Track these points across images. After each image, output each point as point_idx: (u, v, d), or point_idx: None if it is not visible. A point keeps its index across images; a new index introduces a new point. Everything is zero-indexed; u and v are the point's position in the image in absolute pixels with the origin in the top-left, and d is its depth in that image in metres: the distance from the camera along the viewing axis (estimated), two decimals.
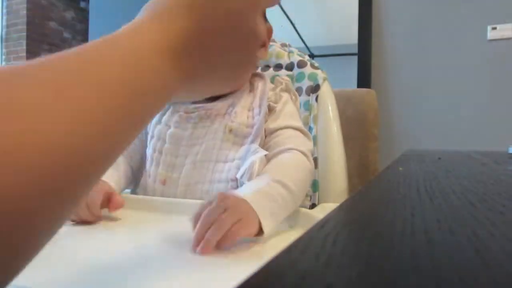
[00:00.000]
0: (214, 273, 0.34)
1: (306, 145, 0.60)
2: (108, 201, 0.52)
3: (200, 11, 0.27)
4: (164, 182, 0.60)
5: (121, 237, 0.46)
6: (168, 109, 0.64)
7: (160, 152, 0.61)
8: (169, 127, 0.61)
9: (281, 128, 0.61)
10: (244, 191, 0.45)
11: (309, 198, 0.74)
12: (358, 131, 1.03)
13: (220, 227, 0.38)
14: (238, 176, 0.55)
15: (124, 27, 0.25)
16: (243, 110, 0.61)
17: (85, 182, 0.20)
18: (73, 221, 0.51)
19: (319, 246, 0.16)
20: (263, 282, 0.12)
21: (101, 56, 0.22)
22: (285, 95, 0.65)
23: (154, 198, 0.60)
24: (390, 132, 1.96)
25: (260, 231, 0.42)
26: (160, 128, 0.62)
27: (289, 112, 0.64)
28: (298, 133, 0.61)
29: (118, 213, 0.56)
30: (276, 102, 0.63)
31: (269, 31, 0.46)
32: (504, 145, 0.89)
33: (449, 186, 0.34)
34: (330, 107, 0.75)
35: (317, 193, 0.74)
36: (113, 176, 0.59)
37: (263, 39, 0.32)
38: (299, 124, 0.63)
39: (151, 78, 0.24)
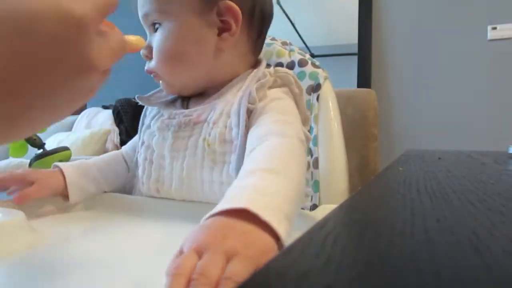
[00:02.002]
0: None
1: (296, 130, 0.47)
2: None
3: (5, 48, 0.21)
4: (157, 191, 0.56)
5: (123, 239, 0.46)
6: (158, 112, 0.60)
7: (151, 161, 0.56)
8: (154, 134, 0.56)
9: (265, 124, 0.48)
10: (239, 197, 0.31)
11: (310, 199, 0.73)
12: (358, 131, 1.03)
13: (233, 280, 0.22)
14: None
15: None
16: (222, 117, 0.51)
17: None
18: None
19: (319, 246, 0.16)
20: (263, 282, 0.12)
21: None
22: (274, 91, 0.53)
23: (149, 198, 0.59)
24: (390, 132, 1.96)
25: (275, 236, 0.28)
26: (149, 133, 0.58)
27: (276, 108, 0.50)
28: (278, 123, 0.47)
29: (114, 213, 0.56)
30: (253, 103, 0.50)
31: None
32: (504, 145, 0.89)
33: (449, 186, 0.34)
34: (331, 107, 0.75)
35: (318, 193, 0.73)
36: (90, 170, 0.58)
37: (97, 64, 0.25)
38: (292, 118, 0.50)
39: None
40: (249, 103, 0.50)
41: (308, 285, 0.12)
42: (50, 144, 1.24)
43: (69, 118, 2.44)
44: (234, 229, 0.27)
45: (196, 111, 0.54)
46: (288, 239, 0.30)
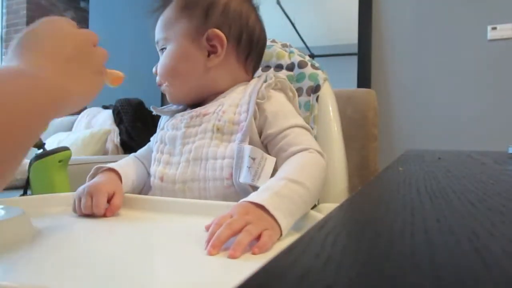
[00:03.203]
0: (214, 273, 0.34)
1: (316, 143, 0.60)
2: (109, 203, 0.55)
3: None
4: (162, 179, 0.62)
5: (123, 237, 0.46)
6: (172, 116, 0.69)
7: (162, 152, 0.65)
8: (168, 130, 0.66)
9: (287, 128, 0.60)
10: (262, 196, 0.44)
11: None
12: (358, 131, 1.03)
13: (250, 232, 0.38)
14: (241, 180, 0.55)
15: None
16: (231, 108, 0.62)
17: None
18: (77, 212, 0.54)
19: (319, 246, 0.16)
20: (263, 282, 0.12)
21: None
22: (278, 95, 0.65)
23: (151, 197, 0.60)
24: (390, 132, 1.96)
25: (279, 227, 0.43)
26: (162, 133, 0.67)
27: (288, 111, 0.63)
28: (304, 131, 0.61)
29: (121, 212, 0.56)
30: (262, 99, 0.61)
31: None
32: (504, 145, 0.89)
33: (449, 186, 0.34)
34: (330, 108, 0.75)
35: None
36: (130, 174, 0.65)
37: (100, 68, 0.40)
38: (303, 121, 0.63)
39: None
40: (257, 98, 0.61)
41: (308, 285, 0.12)
42: (50, 144, 1.24)
43: (69, 118, 2.44)
44: (254, 211, 0.42)
45: (204, 107, 0.65)
46: (289, 233, 0.44)
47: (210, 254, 0.36)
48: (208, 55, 0.65)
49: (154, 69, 0.69)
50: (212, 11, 0.65)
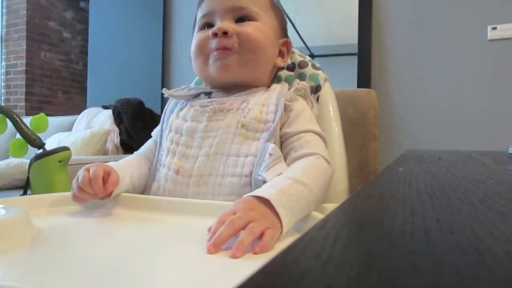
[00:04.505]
0: (214, 273, 0.34)
1: (326, 151, 0.61)
2: (107, 178, 0.56)
3: None
4: (177, 172, 0.61)
5: (124, 237, 0.46)
6: (185, 105, 0.68)
7: (177, 144, 0.64)
8: (186, 121, 0.65)
9: (304, 132, 0.61)
10: (268, 191, 0.45)
11: None
12: (358, 131, 1.03)
13: (252, 231, 0.38)
14: (259, 176, 0.55)
15: None
16: (256, 106, 0.63)
17: None
18: (77, 198, 0.55)
19: (319, 246, 0.16)
20: (263, 282, 0.12)
21: None
22: (302, 100, 0.67)
23: (154, 197, 0.60)
24: (390, 132, 1.96)
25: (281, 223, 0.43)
26: (178, 122, 0.66)
27: (308, 116, 0.65)
28: (318, 138, 0.62)
29: (121, 212, 0.56)
30: (290, 101, 0.64)
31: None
32: (504, 145, 0.89)
33: (449, 186, 0.34)
34: (331, 108, 0.75)
35: None
36: (127, 170, 0.63)
37: None
38: (319, 129, 0.64)
39: None
40: (286, 100, 0.63)
41: (308, 285, 0.12)
42: (50, 144, 1.24)
43: (69, 118, 2.44)
44: (258, 207, 0.42)
45: (228, 100, 0.65)
46: (289, 233, 0.44)
47: (209, 252, 0.36)
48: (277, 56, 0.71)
49: (226, 26, 0.63)
50: (286, 24, 0.74)
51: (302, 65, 0.78)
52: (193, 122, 0.64)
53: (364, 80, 1.99)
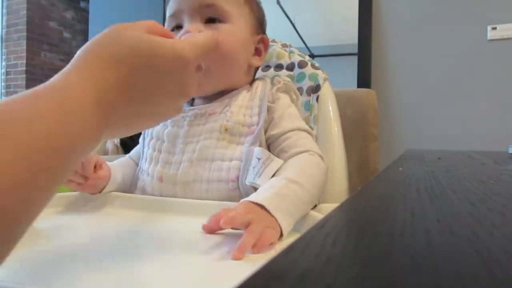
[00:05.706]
0: (214, 273, 0.34)
1: (317, 146, 0.61)
2: (99, 168, 0.58)
3: (128, 67, 0.31)
4: (161, 179, 0.60)
5: (121, 237, 0.46)
6: None
7: (159, 151, 0.62)
8: (167, 126, 0.63)
9: (291, 130, 0.60)
10: (263, 195, 0.44)
11: None
12: (358, 131, 1.03)
13: (253, 232, 0.38)
14: (247, 181, 0.54)
15: (55, 79, 0.28)
16: (240, 109, 0.61)
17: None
18: (68, 181, 0.56)
19: (319, 246, 0.16)
20: (263, 282, 0.12)
21: (30, 111, 0.25)
22: (284, 97, 0.65)
23: (151, 197, 0.59)
24: (390, 132, 1.96)
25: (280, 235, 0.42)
26: (158, 129, 0.64)
27: (293, 114, 0.63)
28: (307, 134, 0.62)
29: (113, 213, 0.56)
30: (272, 102, 0.62)
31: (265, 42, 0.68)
32: (504, 145, 0.89)
33: (449, 186, 0.34)
34: (330, 108, 0.75)
35: None
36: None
37: (190, 93, 0.37)
38: (306, 126, 0.63)
39: (79, 134, 0.26)
40: (268, 102, 0.62)
41: (308, 285, 0.12)
42: None
43: None
44: (255, 210, 0.42)
45: (209, 106, 0.63)
46: (289, 233, 0.44)
47: (237, 258, 0.35)
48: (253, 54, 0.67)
49: (193, 29, 0.58)
50: (263, 17, 0.70)
51: (302, 64, 0.78)
52: (174, 127, 0.62)
53: (364, 80, 1.99)
